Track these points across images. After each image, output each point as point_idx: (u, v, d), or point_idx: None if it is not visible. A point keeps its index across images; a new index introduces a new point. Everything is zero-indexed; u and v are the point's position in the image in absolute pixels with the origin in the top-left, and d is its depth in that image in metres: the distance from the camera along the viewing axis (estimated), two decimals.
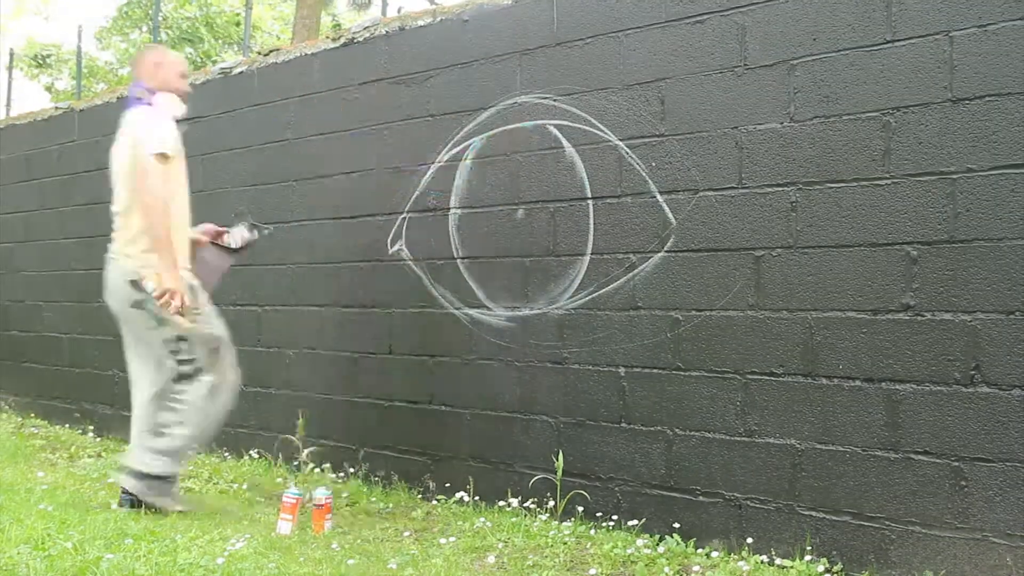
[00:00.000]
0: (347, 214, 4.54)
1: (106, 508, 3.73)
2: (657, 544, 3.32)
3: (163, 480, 3.58)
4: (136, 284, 3.54)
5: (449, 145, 4.18)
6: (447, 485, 4.11)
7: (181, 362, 3.59)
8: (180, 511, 3.56)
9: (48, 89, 21.18)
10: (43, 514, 3.40)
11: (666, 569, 3.04)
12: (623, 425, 3.57)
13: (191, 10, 17.85)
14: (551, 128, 3.84)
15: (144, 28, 18.79)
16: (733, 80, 3.34)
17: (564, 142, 3.78)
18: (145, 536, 3.16)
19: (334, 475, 4.53)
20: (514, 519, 3.62)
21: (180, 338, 3.57)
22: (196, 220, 5.39)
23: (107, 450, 5.37)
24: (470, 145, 4.12)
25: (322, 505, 3.53)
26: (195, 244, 3.86)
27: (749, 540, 3.21)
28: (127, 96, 3.88)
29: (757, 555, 3.15)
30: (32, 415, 6.56)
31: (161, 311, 3.51)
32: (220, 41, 17.90)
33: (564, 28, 3.83)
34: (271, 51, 5.25)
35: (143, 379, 3.75)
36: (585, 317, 3.69)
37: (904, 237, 2.95)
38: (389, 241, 4.36)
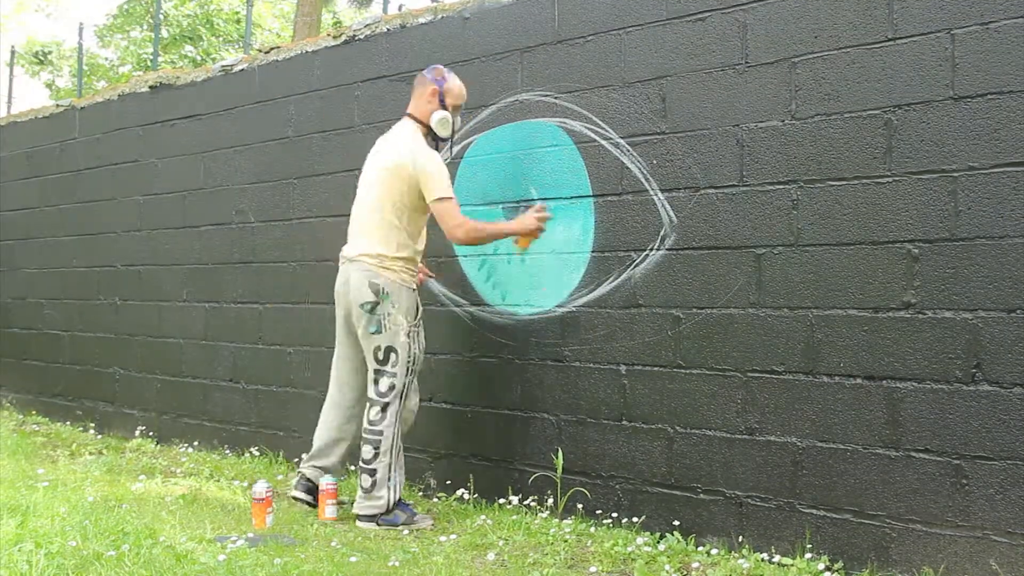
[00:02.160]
0: (348, 212, 4.52)
1: (106, 505, 3.73)
2: (657, 542, 3.32)
3: (390, 511, 3.66)
4: (375, 287, 3.65)
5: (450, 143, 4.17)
6: (448, 482, 4.11)
7: (383, 373, 3.66)
8: (430, 526, 3.64)
9: (49, 86, 21.20)
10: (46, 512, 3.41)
11: (666, 567, 3.04)
12: (624, 423, 3.57)
13: (191, 8, 17.85)
14: (552, 125, 3.83)
15: (144, 26, 18.80)
16: (734, 78, 3.34)
17: (565, 139, 3.78)
18: (146, 534, 3.16)
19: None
20: (514, 517, 3.62)
21: (391, 349, 3.65)
22: (197, 217, 5.42)
23: (108, 447, 5.38)
24: (472, 142, 4.12)
25: (263, 499, 3.56)
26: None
27: (749, 538, 3.21)
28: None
29: (757, 553, 3.15)
30: (33, 412, 6.57)
31: (386, 320, 3.65)
32: (220, 39, 17.91)
33: (565, 26, 3.83)
34: (272, 49, 5.25)
35: (347, 386, 3.88)
36: (586, 315, 3.69)
37: (905, 235, 2.95)
38: None
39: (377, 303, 3.64)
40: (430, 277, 4.14)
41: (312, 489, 3.85)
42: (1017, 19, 2.78)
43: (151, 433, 5.63)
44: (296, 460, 4.73)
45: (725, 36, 3.36)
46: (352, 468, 4.37)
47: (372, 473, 3.64)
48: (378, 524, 3.61)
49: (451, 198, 3.66)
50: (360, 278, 3.68)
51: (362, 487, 3.67)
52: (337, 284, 3.84)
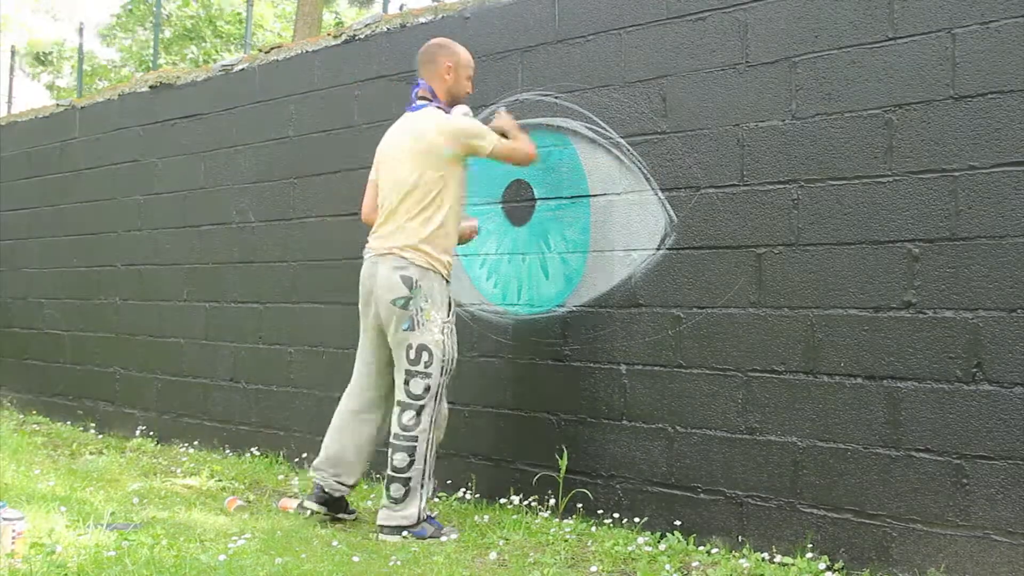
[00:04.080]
0: (348, 211, 4.53)
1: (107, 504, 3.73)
2: (658, 541, 3.32)
3: (418, 523, 3.42)
4: (407, 280, 3.42)
5: None
6: (448, 482, 4.11)
7: (414, 374, 3.43)
8: (454, 539, 3.40)
9: (49, 87, 21.22)
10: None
11: (667, 566, 3.04)
12: (624, 422, 3.57)
13: (194, 9, 17.86)
14: (552, 125, 3.83)
15: (147, 25, 18.81)
16: (735, 77, 3.34)
17: (565, 139, 3.78)
18: (146, 533, 3.16)
19: None
20: (515, 516, 3.62)
21: (423, 347, 3.42)
22: (197, 216, 5.42)
23: (109, 447, 5.38)
24: None
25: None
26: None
27: (750, 537, 3.21)
28: (413, 92, 3.67)
29: (758, 552, 3.15)
30: (34, 412, 6.57)
31: (419, 316, 3.41)
32: (222, 40, 17.92)
33: (565, 25, 3.83)
34: (272, 48, 5.26)
35: (365, 386, 3.65)
36: (586, 315, 3.69)
37: (906, 234, 2.94)
38: None
39: (409, 298, 3.41)
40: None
41: (326, 500, 3.62)
42: (1018, 18, 2.78)
43: (151, 433, 5.63)
44: (296, 460, 4.73)
45: (725, 36, 3.36)
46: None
47: (406, 482, 3.39)
48: (404, 537, 3.38)
49: (497, 138, 3.55)
50: (388, 272, 3.44)
51: (391, 497, 3.41)
52: (363, 276, 3.58)
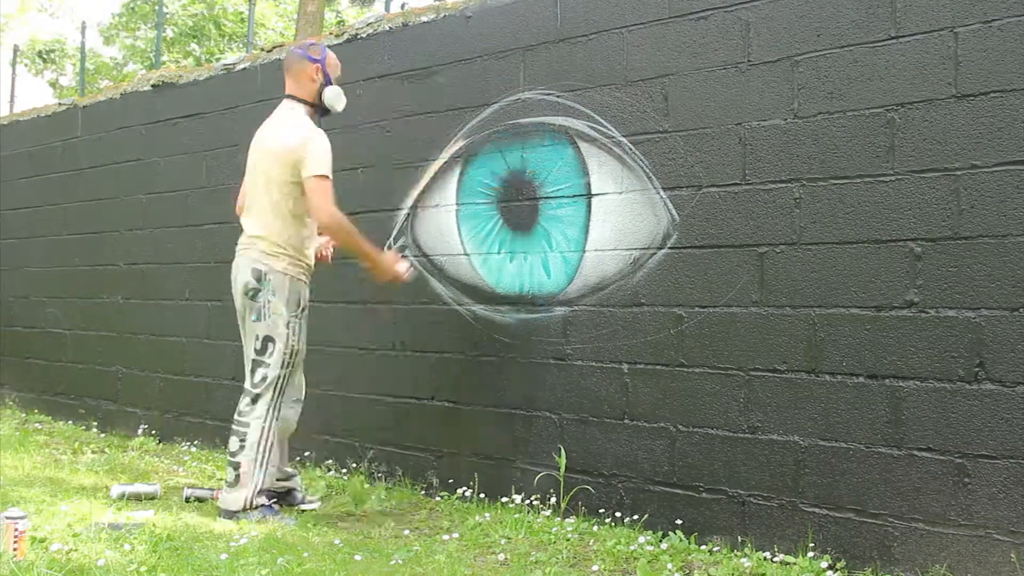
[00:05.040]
0: (350, 210, 4.52)
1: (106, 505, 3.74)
2: (660, 540, 3.32)
3: (247, 510, 3.53)
4: (256, 272, 3.59)
5: (452, 141, 4.17)
6: (450, 481, 4.11)
7: (259, 364, 3.59)
8: (290, 525, 3.49)
9: (52, 85, 21.23)
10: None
11: (669, 566, 3.04)
12: (626, 421, 3.57)
13: (197, 7, 17.88)
14: (554, 124, 3.83)
15: (151, 23, 18.83)
16: (737, 76, 3.33)
17: (567, 138, 3.78)
18: (147, 533, 3.17)
19: (336, 472, 4.53)
20: (517, 515, 3.62)
21: (268, 338, 3.58)
22: (199, 215, 5.42)
23: (111, 446, 5.38)
24: (474, 141, 4.12)
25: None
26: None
27: (752, 536, 3.21)
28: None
29: (760, 552, 3.15)
30: (36, 411, 6.58)
31: (266, 308, 3.58)
32: (225, 39, 17.94)
33: (567, 24, 3.83)
34: (274, 47, 5.25)
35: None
36: (588, 314, 3.69)
37: (908, 234, 2.94)
38: (392, 237, 4.36)
39: (258, 289, 3.58)
40: (323, 259, 4.03)
41: (275, 495, 3.78)
42: (1020, 17, 2.77)
43: (153, 432, 5.63)
44: (297, 458, 4.73)
45: (728, 34, 3.36)
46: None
47: (236, 467, 3.53)
48: (236, 521, 3.49)
49: (329, 179, 3.62)
50: (245, 264, 3.64)
51: (227, 480, 3.57)
52: (231, 275, 3.77)
